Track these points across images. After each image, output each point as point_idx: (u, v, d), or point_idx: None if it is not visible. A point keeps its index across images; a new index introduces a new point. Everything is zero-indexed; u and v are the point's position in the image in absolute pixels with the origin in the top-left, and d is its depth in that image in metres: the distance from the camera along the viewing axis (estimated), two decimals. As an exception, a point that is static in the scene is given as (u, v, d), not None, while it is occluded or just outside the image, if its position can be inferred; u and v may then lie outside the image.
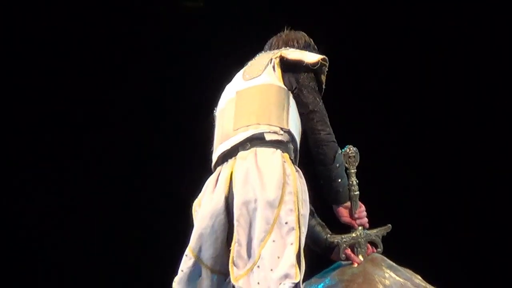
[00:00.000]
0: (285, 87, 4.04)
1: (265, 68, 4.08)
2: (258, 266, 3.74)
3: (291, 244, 3.74)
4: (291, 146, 3.99)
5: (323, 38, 4.45)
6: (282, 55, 4.10)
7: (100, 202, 7.28)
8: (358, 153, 4.31)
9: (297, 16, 7.07)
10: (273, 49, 4.28)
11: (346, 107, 6.85)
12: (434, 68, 7.27)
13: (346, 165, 4.25)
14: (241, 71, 4.19)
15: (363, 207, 4.24)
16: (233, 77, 4.22)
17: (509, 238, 7.07)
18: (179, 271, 3.94)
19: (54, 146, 7.36)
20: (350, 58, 7.04)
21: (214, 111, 4.25)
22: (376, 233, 4.32)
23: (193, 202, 4.04)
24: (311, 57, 4.11)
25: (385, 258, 4.33)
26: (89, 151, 7.42)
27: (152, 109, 7.49)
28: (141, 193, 7.35)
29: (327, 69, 4.18)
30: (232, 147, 3.97)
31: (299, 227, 3.78)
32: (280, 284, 3.69)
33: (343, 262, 4.29)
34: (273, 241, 3.74)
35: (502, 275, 6.97)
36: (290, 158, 3.93)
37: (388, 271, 4.26)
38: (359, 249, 4.27)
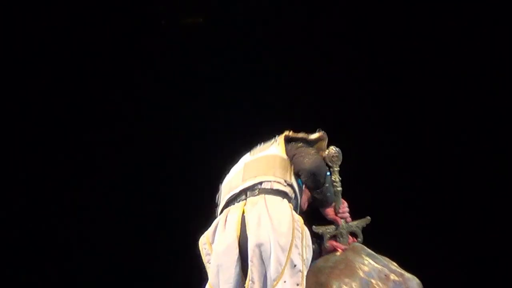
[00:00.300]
0: (287, 157, 4.47)
1: (271, 146, 4.55)
2: None
3: (298, 285, 4.17)
4: (293, 200, 4.41)
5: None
6: (287, 134, 4.56)
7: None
8: (341, 153, 4.69)
9: (293, 25, 7.46)
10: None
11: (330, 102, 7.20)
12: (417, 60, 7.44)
13: (330, 163, 4.64)
14: (246, 154, 4.61)
15: (345, 204, 4.67)
16: (238, 160, 4.63)
17: (485, 220, 7.28)
18: None
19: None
20: (345, 55, 7.35)
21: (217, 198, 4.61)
22: (357, 224, 4.72)
23: (199, 238, 4.43)
24: (312, 135, 4.59)
25: (364, 247, 4.70)
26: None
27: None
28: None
29: (325, 142, 4.63)
30: (240, 191, 4.39)
31: (304, 270, 4.22)
32: None
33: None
34: (284, 281, 4.15)
35: (476, 260, 7.18)
36: (294, 208, 4.36)
37: (367, 258, 4.63)
38: (341, 239, 4.67)
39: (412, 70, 7.43)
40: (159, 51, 7.67)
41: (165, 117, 7.62)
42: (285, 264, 4.16)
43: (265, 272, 4.18)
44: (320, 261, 4.60)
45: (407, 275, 4.66)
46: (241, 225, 4.26)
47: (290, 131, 4.60)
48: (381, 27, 7.42)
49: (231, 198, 4.41)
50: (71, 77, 7.68)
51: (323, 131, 4.61)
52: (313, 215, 4.61)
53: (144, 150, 7.60)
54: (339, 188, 4.65)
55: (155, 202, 7.52)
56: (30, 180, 7.54)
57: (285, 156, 4.47)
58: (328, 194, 4.54)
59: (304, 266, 4.23)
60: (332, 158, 4.66)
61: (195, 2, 7.74)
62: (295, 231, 4.23)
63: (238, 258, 4.23)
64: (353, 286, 4.51)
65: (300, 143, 4.53)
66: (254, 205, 4.28)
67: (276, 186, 4.36)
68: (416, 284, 4.66)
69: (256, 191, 4.35)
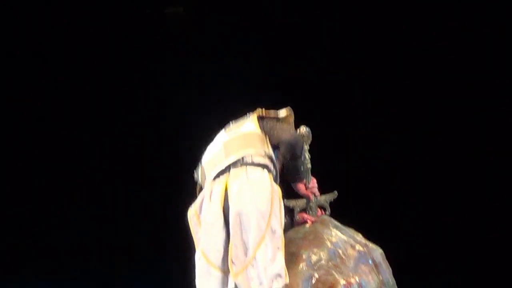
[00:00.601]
0: (262, 133, 4.77)
1: (244, 123, 4.82)
2: (253, 265, 4.46)
3: (278, 248, 4.48)
4: (273, 171, 4.71)
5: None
6: (259, 112, 4.85)
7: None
8: (311, 132, 4.99)
9: (274, 16, 7.64)
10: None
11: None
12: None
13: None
14: (221, 132, 4.88)
15: (314, 180, 5.00)
16: (213, 139, 4.88)
17: (449, 191, 7.50)
18: (196, 271, 4.61)
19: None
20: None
21: (194, 172, 4.90)
22: (325, 199, 5.03)
23: (187, 211, 4.71)
24: (281, 112, 4.89)
25: (332, 219, 4.99)
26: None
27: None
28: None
29: (293, 118, 4.93)
30: (226, 167, 4.67)
31: (282, 235, 4.52)
32: (273, 281, 4.42)
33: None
34: (266, 245, 4.47)
35: (438, 230, 7.44)
36: (273, 179, 4.67)
37: (335, 230, 4.91)
38: (310, 212, 4.99)
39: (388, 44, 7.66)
40: (144, 39, 7.89)
41: (146, 100, 7.86)
42: (266, 229, 4.46)
43: (247, 238, 4.47)
44: (291, 233, 4.86)
45: (371, 245, 4.91)
46: (224, 196, 4.57)
47: (261, 109, 4.88)
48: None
49: (217, 173, 4.68)
50: (52, 67, 7.94)
51: (289, 108, 4.88)
52: (285, 190, 4.86)
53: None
54: (309, 165, 4.96)
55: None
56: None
57: (260, 131, 4.76)
58: (302, 168, 4.85)
59: (282, 231, 4.53)
60: (303, 138, 4.96)
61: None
62: (274, 200, 4.54)
63: (223, 226, 4.54)
64: (321, 255, 4.76)
65: (273, 120, 4.82)
66: (236, 177, 4.59)
67: (257, 160, 4.65)
68: (379, 254, 4.91)
69: (239, 164, 4.64)
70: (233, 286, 4.50)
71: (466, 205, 7.48)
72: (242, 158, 4.67)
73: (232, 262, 4.48)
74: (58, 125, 8.03)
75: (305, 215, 4.98)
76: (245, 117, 4.89)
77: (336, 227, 4.95)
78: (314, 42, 7.68)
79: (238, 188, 4.55)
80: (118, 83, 7.98)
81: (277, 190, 4.60)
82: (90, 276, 7.76)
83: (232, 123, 4.91)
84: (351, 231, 4.97)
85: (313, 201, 4.99)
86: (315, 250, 4.79)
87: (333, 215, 5.03)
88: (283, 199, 4.75)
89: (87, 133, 7.98)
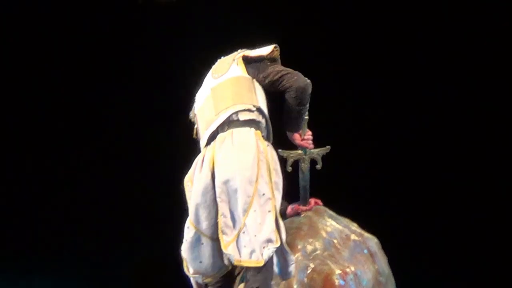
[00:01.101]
0: (250, 76, 4.66)
1: (230, 66, 4.70)
2: (244, 232, 4.36)
3: (269, 211, 4.37)
4: (262, 124, 4.60)
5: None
6: (245, 54, 4.71)
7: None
8: (311, 85, 4.71)
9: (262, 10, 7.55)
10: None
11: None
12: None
13: None
14: (209, 73, 4.79)
15: (310, 132, 4.87)
16: (202, 81, 4.81)
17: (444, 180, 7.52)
18: (184, 241, 4.56)
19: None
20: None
21: (190, 113, 4.84)
22: (318, 152, 4.96)
23: (183, 178, 4.62)
24: (266, 49, 4.74)
25: (327, 209, 4.98)
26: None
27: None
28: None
29: (279, 52, 4.77)
30: (214, 131, 4.56)
31: (274, 196, 4.42)
32: (264, 248, 4.32)
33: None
34: (254, 210, 4.36)
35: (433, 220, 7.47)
36: (262, 135, 4.55)
37: (330, 220, 4.91)
38: (303, 164, 4.94)
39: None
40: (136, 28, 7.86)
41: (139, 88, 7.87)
42: (253, 194, 4.37)
43: (235, 206, 4.39)
44: (286, 223, 4.72)
45: (366, 235, 4.93)
46: (213, 164, 4.47)
47: (244, 50, 4.75)
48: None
49: (210, 136, 4.58)
50: (44, 57, 7.90)
51: (274, 44, 4.75)
52: (278, 140, 4.81)
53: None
54: (307, 117, 4.84)
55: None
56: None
57: (247, 75, 4.66)
58: (305, 117, 4.75)
59: (272, 192, 4.42)
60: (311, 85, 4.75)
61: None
62: (260, 162, 4.42)
63: (212, 195, 4.44)
64: (317, 245, 4.76)
65: (262, 61, 4.70)
66: (222, 142, 4.48)
67: (244, 116, 4.55)
68: (375, 243, 4.93)
69: (226, 127, 4.54)
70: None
71: (462, 195, 7.50)
72: (230, 115, 4.54)
73: (222, 232, 4.41)
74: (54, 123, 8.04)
75: (297, 206, 4.95)
76: (231, 57, 4.76)
77: (331, 217, 4.94)
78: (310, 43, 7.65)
79: (223, 156, 4.45)
80: (110, 74, 7.96)
81: (264, 150, 4.49)
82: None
83: (218, 62, 4.80)
84: (346, 221, 4.97)
85: (306, 153, 4.94)
86: (310, 240, 4.79)
87: (329, 206, 5.01)
88: (278, 150, 4.70)
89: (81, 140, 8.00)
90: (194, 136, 4.80)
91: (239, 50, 4.78)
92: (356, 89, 7.53)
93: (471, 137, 7.50)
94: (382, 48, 7.61)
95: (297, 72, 4.65)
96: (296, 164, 4.96)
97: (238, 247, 4.39)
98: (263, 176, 4.42)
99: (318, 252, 4.75)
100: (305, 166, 4.93)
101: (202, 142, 4.63)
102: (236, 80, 4.65)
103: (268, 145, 4.56)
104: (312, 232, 4.82)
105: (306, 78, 4.63)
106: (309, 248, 4.75)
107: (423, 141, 7.58)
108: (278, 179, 4.52)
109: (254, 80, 4.67)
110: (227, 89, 4.63)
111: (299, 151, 4.93)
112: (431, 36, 7.59)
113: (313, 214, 4.93)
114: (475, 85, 7.53)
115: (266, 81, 4.65)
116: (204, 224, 4.47)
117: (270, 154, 4.53)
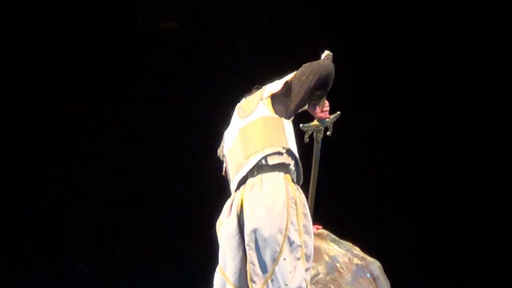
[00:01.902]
0: (277, 115, 4.65)
1: (257, 105, 4.68)
2: (272, 280, 4.36)
3: (298, 259, 4.39)
4: (292, 166, 4.60)
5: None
6: (271, 92, 4.68)
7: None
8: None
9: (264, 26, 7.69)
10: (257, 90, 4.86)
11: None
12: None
13: None
14: (235, 113, 4.78)
15: (327, 103, 4.88)
16: (229, 122, 4.81)
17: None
18: (214, 284, 4.59)
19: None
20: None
21: (218, 150, 4.88)
22: (330, 119, 4.95)
23: (215, 223, 4.66)
24: (288, 77, 4.72)
25: (329, 233, 4.98)
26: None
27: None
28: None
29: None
30: (244, 177, 4.56)
31: (302, 242, 4.41)
32: None
33: None
34: (284, 259, 4.38)
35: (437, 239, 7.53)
36: (292, 179, 4.55)
37: (332, 244, 4.92)
38: (318, 134, 4.98)
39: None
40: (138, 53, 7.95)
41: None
42: (283, 242, 4.36)
43: (264, 254, 4.38)
44: None
45: (369, 258, 4.93)
46: (241, 210, 4.48)
47: (265, 86, 4.75)
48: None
49: (240, 181, 4.58)
50: (56, 75, 8.01)
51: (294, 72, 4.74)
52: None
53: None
54: None
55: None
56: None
57: (275, 115, 4.64)
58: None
59: (302, 239, 4.42)
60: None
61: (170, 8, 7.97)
62: (290, 209, 4.42)
63: (240, 242, 4.46)
64: (319, 269, 4.78)
65: (286, 91, 4.69)
66: (251, 189, 4.48)
67: (273, 161, 4.54)
68: (378, 267, 4.93)
69: (255, 172, 4.53)
70: None
71: (467, 223, 7.54)
72: (258, 162, 4.53)
73: (252, 280, 4.42)
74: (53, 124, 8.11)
75: None
76: (257, 93, 4.76)
77: (334, 241, 4.95)
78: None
79: (252, 203, 4.44)
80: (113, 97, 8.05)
81: (294, 195, 4.47)
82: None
83: (243, 100, 4.81)
84: (348, 245, 4.97)
85: (321, 123, 4.97)
86: (313, 264, 4.69)
87: (332, 230, 5.02)
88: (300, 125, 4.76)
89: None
90: (223, 174, 4.84)
91: (263, 87, 4.77)
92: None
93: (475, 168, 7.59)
94: (382, 48, 7.69)
95: (314, 62, 4.65)
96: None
97: None
98: (293, 224, 4.43)
99: (320, 276, 4.75)
100: (320, 136, 4.98)
101: (233, 185, 4.65)
102: (264, 120, 4.64)
103: (297, 189, 4.56)
104: (315, 256, 4.75)
105: (326, 65, 4.66)
106: (312, 272, 4.70)
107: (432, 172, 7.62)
108: (307, 222, 4.52)
109: (283, 118, 4.66)
110: (256, 131, 4.63)
111: (317, 123, 4.96)
112: (431, 37, 7.64)
113: (316, 238, 4.88)
114: (475, 85, 7.57)
115: (298, 99, 4.64)
116: (230, 270, 4.50)
117: (299, 198, 4.53)
